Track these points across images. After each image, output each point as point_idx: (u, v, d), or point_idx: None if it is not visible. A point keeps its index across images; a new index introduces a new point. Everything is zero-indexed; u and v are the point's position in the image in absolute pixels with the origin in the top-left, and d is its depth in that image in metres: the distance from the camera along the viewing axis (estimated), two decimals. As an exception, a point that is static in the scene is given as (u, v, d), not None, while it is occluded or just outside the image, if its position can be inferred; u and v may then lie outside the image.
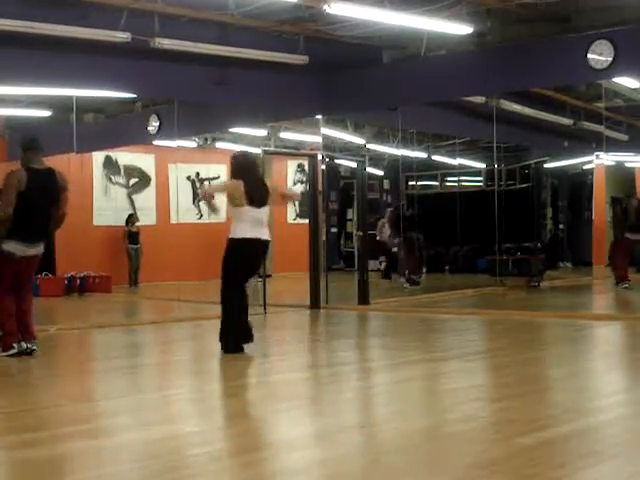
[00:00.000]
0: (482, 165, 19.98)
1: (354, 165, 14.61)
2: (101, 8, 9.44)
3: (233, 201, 7.68)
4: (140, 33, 9.82)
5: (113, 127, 15.81)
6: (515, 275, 16.27)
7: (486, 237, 16.35)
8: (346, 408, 5.57)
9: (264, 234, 7.77)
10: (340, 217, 22.81)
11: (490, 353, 8.22)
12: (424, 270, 17.52)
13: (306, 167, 14.96)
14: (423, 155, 18.91)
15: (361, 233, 13.13)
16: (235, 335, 7.72)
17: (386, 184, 22.17)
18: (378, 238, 17.14)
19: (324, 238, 16.70)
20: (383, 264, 18.63)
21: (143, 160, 19.19)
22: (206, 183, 8.15)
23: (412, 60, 11.68)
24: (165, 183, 19.09)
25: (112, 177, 18.91)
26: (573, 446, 4.30)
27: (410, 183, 20.93)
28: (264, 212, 7.75)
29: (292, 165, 22.37)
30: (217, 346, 7.82)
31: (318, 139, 13.92)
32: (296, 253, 16.48)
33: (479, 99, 13.41)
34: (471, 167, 20.33)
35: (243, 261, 7.73)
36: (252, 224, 7.62)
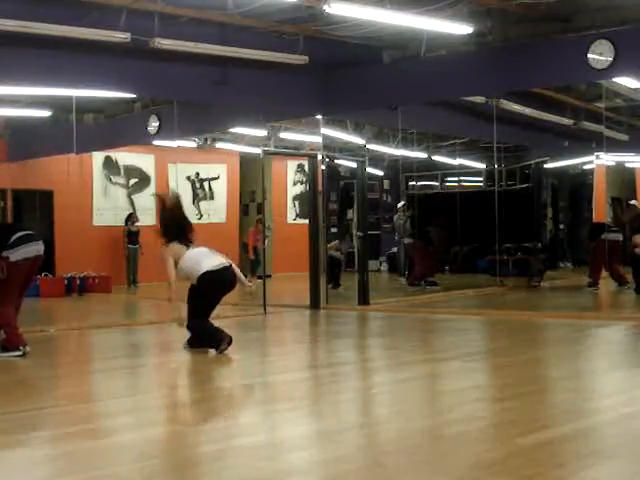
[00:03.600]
0: (482, 165, 19.98)
1: (354, 165, 14.60)
2: (101, 8, 9.44)
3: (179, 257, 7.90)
4: (140, 33, 9.82)
5: (113, 127, 15.81)
6: (515, 275, 16.27)
7: (486, 237, 16.35)
8: (346, 408, 5.56)
9: (222, 261, 8.00)
10: (340, 217, 22.83)
11: (490, 353, 8.21)
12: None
13: (306, 167, 14.96)
14: (423, 155, 18.91)
15: (361, 233, 13.12)
16: (217, 330, 7.87)
17: (386, 184, 22.19)
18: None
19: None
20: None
21: (143, 160, 19.19)
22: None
23: (412, 60, 11.67)
24: (165, 183, 19.09)
25: (112, 177, 18.91)
26: (573, 446, 4.29)
27: (410, 183, 20.93)
28: (203, 247, 8.06)
29: (292, 165, 22.37)
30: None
31: (318, 139, 13.92)
32: (296, 253, 16.48)
33: (479, 99, 13.41)
34: (471, 167, 20.33)
35: (213, 292, 7.93)
36: (204, 256, 7.93)
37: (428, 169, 20.36)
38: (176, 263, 7.86)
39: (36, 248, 7.84)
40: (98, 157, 18.48)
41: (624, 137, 16.26)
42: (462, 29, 10.15)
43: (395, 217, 18.53)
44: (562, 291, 15.59)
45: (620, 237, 14.58)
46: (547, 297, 14.89)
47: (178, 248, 7.92)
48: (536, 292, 15.21)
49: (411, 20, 9.75)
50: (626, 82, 12.18)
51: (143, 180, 19.34)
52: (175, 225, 8.05)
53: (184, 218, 8.20)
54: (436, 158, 19.50)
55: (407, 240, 16.55)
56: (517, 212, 17.19)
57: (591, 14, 10.17)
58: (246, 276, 19.57)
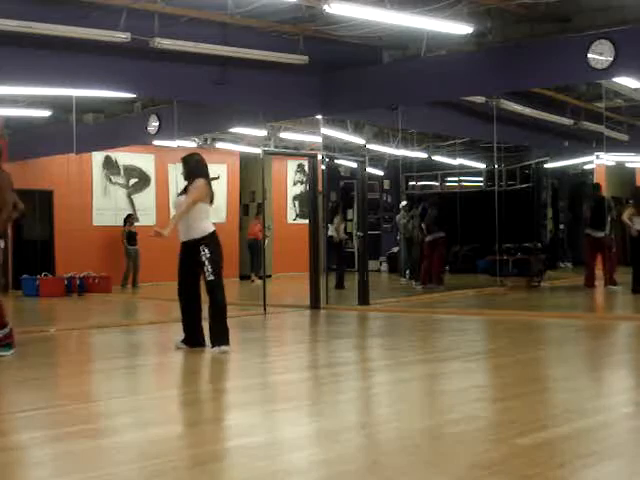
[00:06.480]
0: (482, 165, 19.99)
1: (354, 165, 14.60)
2: (101, 8, 9.45)
3: (204, 199, 7.88)
4: (140, 33, 9.83)
5: (113, 127, 15.82)
6: (515, 275, 16.27)
7: (486, 237, 16.35)
8: (346, 408, 5.56)
9: None
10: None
11: (490, 353, 8.21)
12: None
13: (306, 167, 14.96)
14: (423, 155, 18.91)
15: (361, 233, 13.13)
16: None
17: (386, 184, 22.18)
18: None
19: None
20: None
21: (143, 160, 19.20)
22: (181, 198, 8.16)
23: (412, 60, 11.69)
24: (165, 183, 19.10)
25: (112, 177, 18.93)
26: (573, 446, 4.29)
27: (410, 183, 20.92)
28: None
29: (292, 165, 22.37)
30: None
31: (318, 139, 13.93)
32: (296, 253, 16.48)
33: (479, 99, 13.42)
34: (471, 167, 20.33)
35: (221, 251, 8.01)
36: (209, 220, 8.01)
37: (429, 169, 20.36)
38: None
39: None
40: (98, 157, 18.50)
41: (624, 137, 16.26)
42: (462, 29, 10.16)
43: (397, 217, 18.54)
44: (562, 291, 15.60)
45: (602, 234, 14.51)
46: (547, 297, 14.89)
47: (208, 191, 7.84)
48: (536, 292, 15.21)
49: (411, 20, 9.76)
50: (626, 82, 12.19)
51: (143, 180, 19.35)
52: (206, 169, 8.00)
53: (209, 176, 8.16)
54: (436, 158, 19.51)
55: (430, 237, 15.73)
56: (517, 212, 17.18)
57: (591, 14, 10.18)
58: (248, 277, 19.75)
